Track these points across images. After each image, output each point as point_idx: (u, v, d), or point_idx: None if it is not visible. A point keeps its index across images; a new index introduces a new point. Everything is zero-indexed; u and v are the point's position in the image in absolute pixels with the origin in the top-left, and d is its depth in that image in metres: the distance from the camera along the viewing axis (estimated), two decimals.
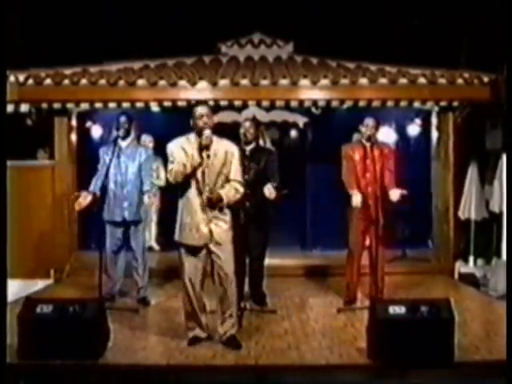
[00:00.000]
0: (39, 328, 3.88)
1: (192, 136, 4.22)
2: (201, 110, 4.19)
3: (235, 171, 4.24)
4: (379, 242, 5.19)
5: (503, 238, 6.81)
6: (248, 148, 5.24)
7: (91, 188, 5.36)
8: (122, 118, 5.45)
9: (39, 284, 6.60)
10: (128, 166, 5.45)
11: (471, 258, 7.40)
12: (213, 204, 4.11)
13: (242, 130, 5.24)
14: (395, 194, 5.15)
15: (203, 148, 4.09)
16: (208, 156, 4.11)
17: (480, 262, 7.36)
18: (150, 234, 7.57)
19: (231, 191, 4.17)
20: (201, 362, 3.95)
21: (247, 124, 5.26)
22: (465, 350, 4.01)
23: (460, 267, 7.19)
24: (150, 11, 10.64)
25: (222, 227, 4.18)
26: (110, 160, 5.18)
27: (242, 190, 4.24)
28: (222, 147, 4.21)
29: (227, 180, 4.21)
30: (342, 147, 5.43)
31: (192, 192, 4.16)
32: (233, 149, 4.27)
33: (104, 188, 5.18)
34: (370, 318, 4.03)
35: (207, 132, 4.09)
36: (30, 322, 3.92)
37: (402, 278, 6.28)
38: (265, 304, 5.35)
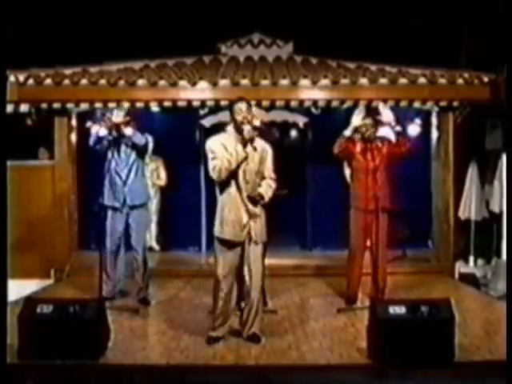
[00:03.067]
0: (39, 328, 3.88)
1: (231, 132, 4.28)
2: (240, 105, 4.24)
3: (269, 168, 4.35)
4: (380, 241, 5.19)
5: (503, 238, 6.82)
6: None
7: None
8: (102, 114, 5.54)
9: (39, 284, 6.59)
10: (127, 153, 5.48)
11: (471, 258, 7.40)
12: (254, 202, 4.21)
13: None
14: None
15: (247, 142, 4.15)
16: (255, 149, 4.19)
17: (480, 261, 7.36)
18: (150, 234, 7.57)
19: (268, 189, 4.29)
20: (201, 362, 3.95)
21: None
22: (465, 349, 4.02)
23: (460, 267, 7.19)
24: (150, 11, 10.66)
25: (259, 225, 4.27)
26: (112, 156, 5.31)
27: (274, 186, 4.35)
28: (259, 145, 4.28)
29: (262, 177, 4.30)
30: (341, 140, 5.42)
31: (233, 188, 4.22)
32: (267, 147, 4.38)
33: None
34: (370, 318, 4.03)
35: (248, 127, 4.15)
36: (30, 321, 3.92)
37: (402, 278, 6.28)
38: (265, 304, 5.34)
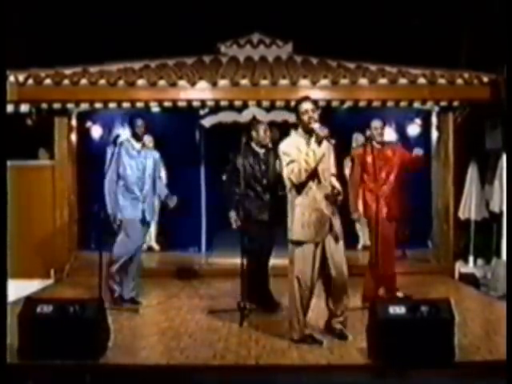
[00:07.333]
0: (39, 328, 3.88)
1: (298, 133, 4.29)
2: (305, 105, 4.26)
3: (334, 165, 4.39)
4: (389, 244, 5.21)
5: (503, 238, 6.82)
6: (262, 151, 5.27)
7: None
8: (139, 122, 5.37)
9: (39, 284, 6.60)
10: (145, 167, 5.43)
11: (471, 258, 7.40)
12: (333, 199, 4.22)
13: (254, 134, 5.24)
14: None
15: (321, 141, 4.15)
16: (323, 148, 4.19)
17: (480, 261, 7.36)
18: (149, 234, 7.57)
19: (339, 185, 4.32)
20: (201, 362, 3.95)
21: (263, 127, 5.25)
22: (465, 350, 4.01)
23: (460, 267, 7.19)
24: (150, 11, 10.65)
25: (338, 221, 4.30)
26: (117, 160, 5.25)
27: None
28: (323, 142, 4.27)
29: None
30: (351, 151, 5.46)
31: (312, 189, 4.20)
32: (328, 144, 4.32)
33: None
34: (370, 318, 4.03)
35: (317, 125, 4.16)
36: (30, 322, 3.92)
37: (402, 278, 6.26)
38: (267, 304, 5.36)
